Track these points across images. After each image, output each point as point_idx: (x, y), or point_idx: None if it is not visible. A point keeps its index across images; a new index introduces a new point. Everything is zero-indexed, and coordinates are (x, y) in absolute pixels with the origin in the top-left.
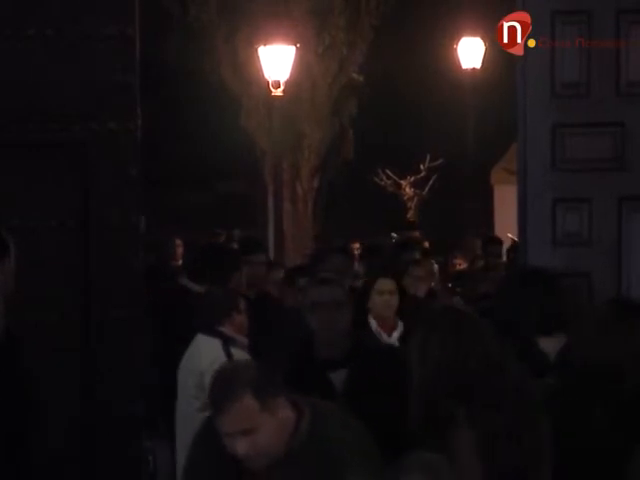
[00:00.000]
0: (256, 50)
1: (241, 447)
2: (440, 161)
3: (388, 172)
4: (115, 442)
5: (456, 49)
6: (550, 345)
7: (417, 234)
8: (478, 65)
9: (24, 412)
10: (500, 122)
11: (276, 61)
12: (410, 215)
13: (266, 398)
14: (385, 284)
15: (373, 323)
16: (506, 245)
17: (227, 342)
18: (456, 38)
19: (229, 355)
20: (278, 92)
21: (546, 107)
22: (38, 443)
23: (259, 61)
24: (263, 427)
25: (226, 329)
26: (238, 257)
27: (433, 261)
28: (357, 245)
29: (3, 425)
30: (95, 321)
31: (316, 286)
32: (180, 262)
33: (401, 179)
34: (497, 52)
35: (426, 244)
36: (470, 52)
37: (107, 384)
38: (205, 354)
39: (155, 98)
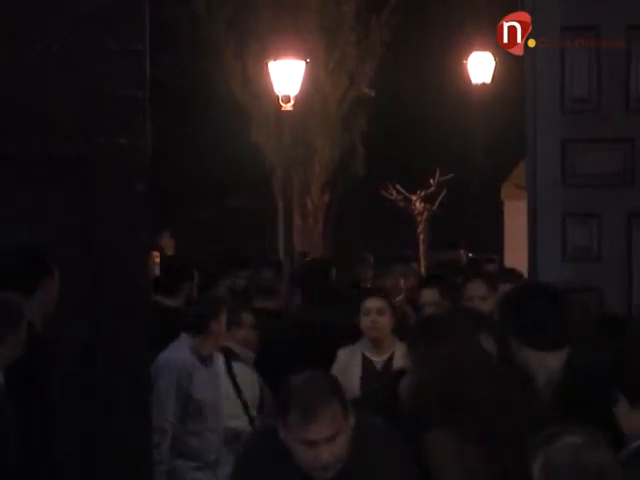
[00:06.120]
0: (266, 65)
1: (325, 455)
2: (450, 176)
3: (398, 187)
4: (115, 443)
5: (466, 64)
6: (555, 360)
7: (461, 253)
8: (488, 80)
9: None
10: (510, 137)
11: (286, 76)
12: (420, 230)
13: (343, 402)
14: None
15: None
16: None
17: (228, 356)
18: (466, 53)
19: (229, 369)
20: (288, 107)
21: (556, 122)
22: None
23: (269, 76)
24: (343, 433)
25: (230, 343)
26: (188, 270)
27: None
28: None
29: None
30: (102, 335)
31: None
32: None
33: (411, 194)
34: (507, 67)
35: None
36: (480, 67)
37: (107, 384)
38: None
39: (164, 112)
